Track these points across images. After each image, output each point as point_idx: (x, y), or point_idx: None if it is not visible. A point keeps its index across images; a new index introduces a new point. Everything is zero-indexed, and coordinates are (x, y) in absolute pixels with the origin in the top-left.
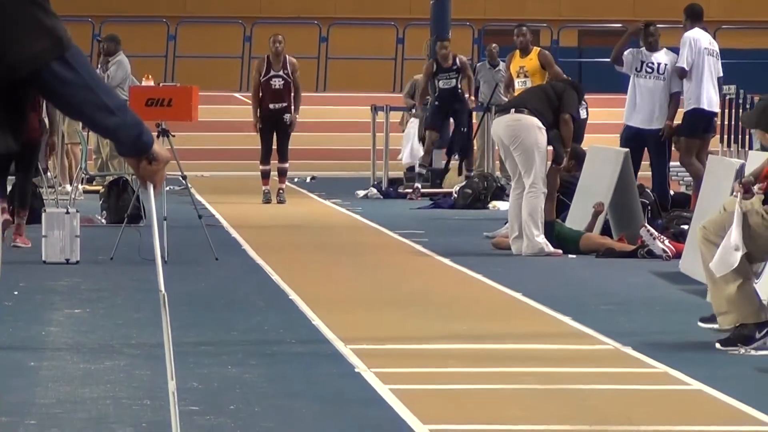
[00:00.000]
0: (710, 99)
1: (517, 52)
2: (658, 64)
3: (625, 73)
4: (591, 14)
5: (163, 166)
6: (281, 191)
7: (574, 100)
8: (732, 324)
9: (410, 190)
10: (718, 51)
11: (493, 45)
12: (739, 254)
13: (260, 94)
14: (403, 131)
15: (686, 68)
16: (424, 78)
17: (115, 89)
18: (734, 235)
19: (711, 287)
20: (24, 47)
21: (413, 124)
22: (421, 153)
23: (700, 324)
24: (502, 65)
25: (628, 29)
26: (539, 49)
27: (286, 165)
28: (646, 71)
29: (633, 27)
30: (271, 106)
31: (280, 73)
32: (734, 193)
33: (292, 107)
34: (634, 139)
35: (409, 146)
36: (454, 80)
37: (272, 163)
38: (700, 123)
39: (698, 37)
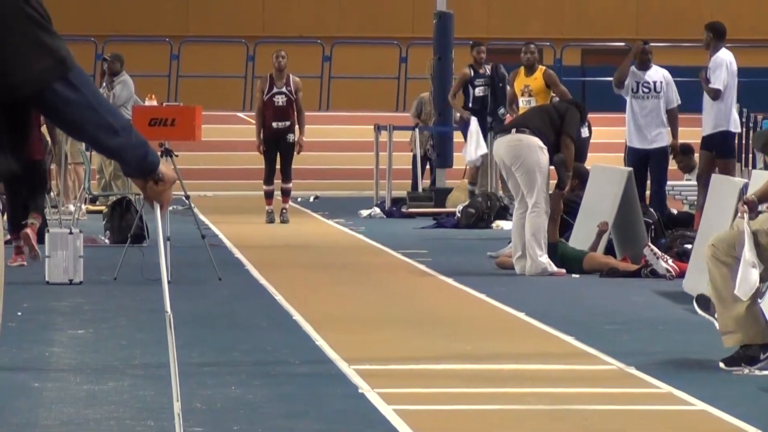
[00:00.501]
0: (736, 121)
1: (522, 69)
2: (654, 83)
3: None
4: (594, 33)
5: (170, 186)
6: (284, 211)
7: (576, 120)
8: (737, 344)
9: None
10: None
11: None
12: (757, 272)
13: (263, 113)
14: (412, 151)
15: (722, 90)
16: (458, 84)
17: (119, 109)
18: (748, 254)
19: (718, 306)
20: (26, 67)
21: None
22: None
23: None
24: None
25: (632, 50)
26: (544, 68)
27: (290, 185)
28: (643, 91)
29: (636, 48)
30: (274, 124)
31: (283, 89)
32: (740, 214)
33: (296, 127)
34: (637, 159)
35: (474, 143)
36: (487, 88)
37: (276, 182)
38: (732, 143)
39: (731, 59)
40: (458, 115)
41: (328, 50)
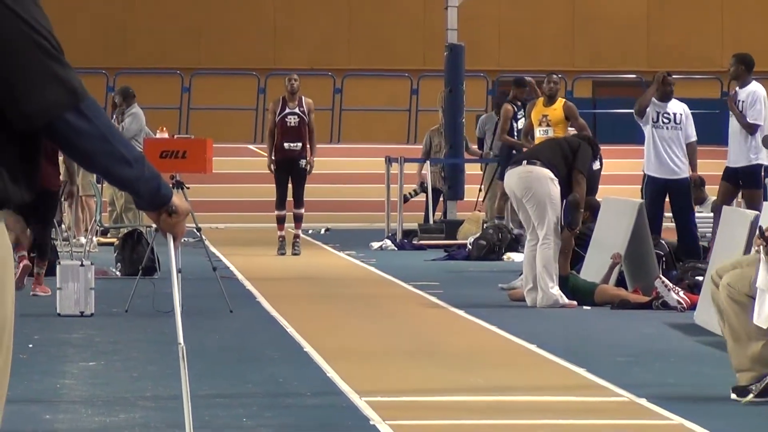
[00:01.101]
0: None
1: (541, 100)
2: (674, 114)
3: (641, 125)
4: (605, 65)
5: (184, 218)
6: (297, 241)
7: (588, 156)
8: (753, 381)
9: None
10: None
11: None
12: None
13: (275, 135)
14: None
15: (761, 125)
16: (506, 121)
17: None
18: (761, 280)
19: (732, 345)
20: (38, 98)
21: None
22: None
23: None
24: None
25: (654, 80)
26: (564, 99)
27: (302, 211)
28: (663, 121)
29: (658, 77)
30: (286, 145)
31: (296, 110)
32: (755, 247)
33: (308, 149)
34: (656, 188)
35: None
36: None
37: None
38: (761, 176)
39: (762, 92)
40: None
41: (339, 82)
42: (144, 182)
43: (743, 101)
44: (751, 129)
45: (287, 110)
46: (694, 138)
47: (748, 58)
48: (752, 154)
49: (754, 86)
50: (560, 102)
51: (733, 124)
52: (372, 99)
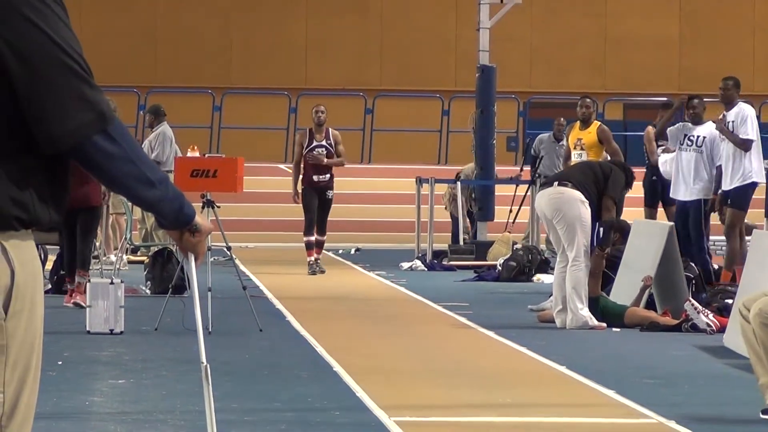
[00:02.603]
0: (763, 172)
1: (577, 124)
2: (698, 137)
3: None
4: (636, 87)
5: (205, 237)
6: (318, 261)
7: (621, 183)
8: None
9: None
10: None
11: (561, 119)
12: None
13: (302, 167)
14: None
15: (754, 140)
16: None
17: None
18: None
19: (759, 367)
20: (67, 120)
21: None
22: None
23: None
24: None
25: (674, 104)
26: (599, 123)
27: (324, 238)
28: (687, 144)
29: (677, 102)
30: (315, 177)
31: (323, 143)
32: None
33: (334, 181)
34: (681, 211)
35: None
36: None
37: None
38: (750, 196)
39: (753, 111)
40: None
41: (370, 103)
42: (168, 203)
43: (733, 121)
44: (745, 146)
45: (315, 143)
46: (720, 162)
47: (738, 80)
48: (745, 172)
49: (741, 105)
50: (595, 125)
51: (727, 148)
52: (403, 119)
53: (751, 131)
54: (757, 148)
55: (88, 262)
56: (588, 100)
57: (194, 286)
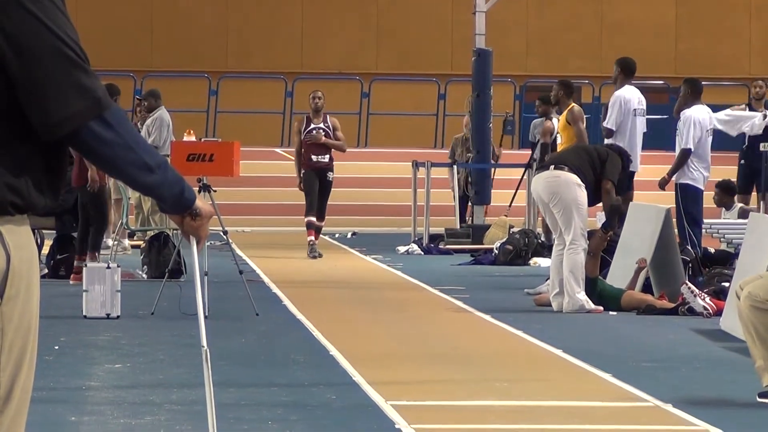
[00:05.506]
0: (636, 160)
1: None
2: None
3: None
4: None
5: (207, 221)
6: (314, 245)
7: (617, 167)
8: None
9: None
10: (645, 109)
11: (536, 101)
12: None
13: (302, 151)
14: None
15: (613, 129)
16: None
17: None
18: None
19: (755, 349)
20: (64, 107)
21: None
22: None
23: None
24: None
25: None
26: (572, 105)
27: (322, 224)
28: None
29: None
30: (314, 158)
31: (321, 125)
32: None
33: (334, 163)
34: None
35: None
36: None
37: None
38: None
39: (629, 97)
40: None
41: (366, 87)
42: (167, 187)
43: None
44: (604, 133)
45: (312, 126)
46: (682, 146)
47: (627, 62)
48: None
49: (621, 91)
50: (569, 108)
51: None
52: (399, 103)
53: (610, 120)
54: (622, 136)
55: (99, 244)
56: (556, 84)
57: (196, 270)
